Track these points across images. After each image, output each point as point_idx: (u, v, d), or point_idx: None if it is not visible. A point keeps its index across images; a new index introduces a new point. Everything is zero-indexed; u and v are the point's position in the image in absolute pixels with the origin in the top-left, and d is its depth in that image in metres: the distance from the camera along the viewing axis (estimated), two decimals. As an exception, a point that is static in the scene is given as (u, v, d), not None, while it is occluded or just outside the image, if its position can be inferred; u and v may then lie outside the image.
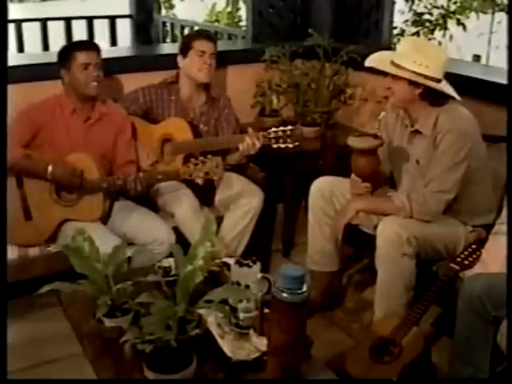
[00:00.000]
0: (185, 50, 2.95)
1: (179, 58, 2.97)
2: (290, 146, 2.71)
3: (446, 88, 2.39)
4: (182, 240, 2.62)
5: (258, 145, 2.73)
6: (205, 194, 2.81)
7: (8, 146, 2.28)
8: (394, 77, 2.38)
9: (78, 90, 2.63)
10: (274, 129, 2.72)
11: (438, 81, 2.36)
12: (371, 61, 2.50)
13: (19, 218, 2.56)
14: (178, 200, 2.75)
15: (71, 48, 2.66)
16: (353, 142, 2.42)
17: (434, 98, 2.39)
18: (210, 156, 2.50)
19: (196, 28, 5.30)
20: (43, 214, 2.57)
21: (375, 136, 2.42)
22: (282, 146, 2.72)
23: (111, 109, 2.76)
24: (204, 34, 3.04)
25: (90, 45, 2.71)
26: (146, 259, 2.33)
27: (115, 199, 2.69)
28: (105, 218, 2.63)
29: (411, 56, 2.33)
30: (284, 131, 2.71)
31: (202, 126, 3.00)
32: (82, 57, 2.60)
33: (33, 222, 2.58)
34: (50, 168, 2.50)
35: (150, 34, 5.82)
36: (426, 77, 2.32)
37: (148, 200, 2.77)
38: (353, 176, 2.53)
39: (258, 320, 1.80)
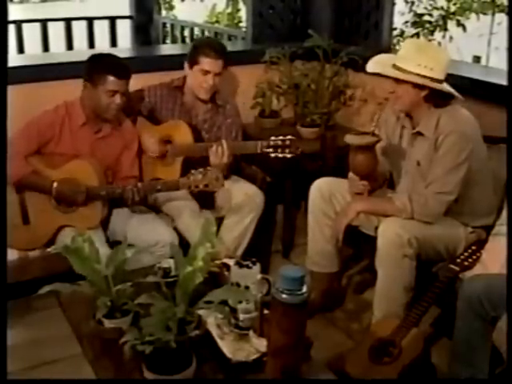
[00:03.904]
0: (191, 61, 2.87)
1: (186, 65, 2.91)
2: (288, 156, 2.67)
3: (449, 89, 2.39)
4: (182, 241, 2.63)
5: (222, 160, 2.69)
6: (205, 196, 2.80)
7: (9, 153, 2.31)
8: (399, 80, 2.37)
9: (95, 110, 2.60)
10: (273, 138, 2.68)
11: (441, 82, 2.36)
12: (373, 65, 2.49)
13: (17, 223, 2.56)
14: (177, 205, 2.75)
15: (105, 69, 2.54)
16: (350, 138, 2.42)
17: (438, 100, 2.39)
18: (210, 168, 2.50)
19: (199, 34, 5.31)
20: (41, 219, 2.57)
21: (373, 134, 2.43)
22: (280, 155, 2.68)
23: (123, 124, 2.73)
24: (213, 50, 2.85)
25: (124, 72, 2.58)
26: (148, 261, 2.31)
27: (115, 206, 2.66)
28: (104, 223, 2.62)
29: (415, 59, 2.33)
30: (283, 141, 2.66)
31: (204, 133, 2.98)
32: (112, 83, 2.52)
33: (31, 227, 2.58)
34: (54, 185, 2.50)
35: (149, 35, 5.81)
36: (431, 79, 2.33)
37: (147, 202, 2.77)
38: (350, 174, 2.53)
39: (257, 321, 1.80)
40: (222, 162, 2.70)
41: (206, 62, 2.83)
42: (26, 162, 2.54)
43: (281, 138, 2.68)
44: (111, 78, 2.52)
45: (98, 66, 2.58)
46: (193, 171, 2.49)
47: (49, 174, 2.56)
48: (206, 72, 2.83)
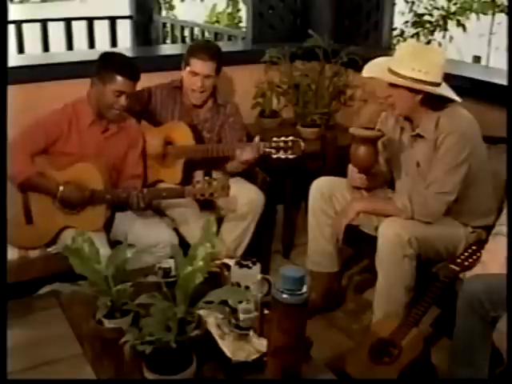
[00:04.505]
0: (184, 62, 2.88)
1: (182, 66, 2.91)
2: (290, 157, 2.68)
3: (446, 91, 2.39)
4: (183, 241, 2.63)
5: (255, 155, 2.70)
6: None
7: (14, 152, 2.33)
8: (394, 85, 2.37)
9: (99, 107, 2.59)
10: (275, 139, 2.68)
11: (438, 85, 2.36)
12: (369, 70, 2.50)
13: (20, 222, 2.55)
14: (180, 209, 2.75)
15: (115, 68, 2.53)
16: (355, 130, 2.43)
17: (435, 103, 2.39)
18: (216, 177, 2.49)
19: (199, 34, 5.31)
20: (44, 219, 2.56)
21: (378, 130, 2.44)
22: (282, 156, 2.68)
23: (127, 122, 2.73)
24: (204, 52, 2.84)
25: (133, 74, 2.57)
26: (148, 261, 2.31)
27: (118, 210, 2.66)
28: (107, 226, 2.62)
29: (409, 62, 2.32)
30: (285, 142, 2.67)
31: (206, 132, 2.97)
32: (120, 83, 2.52)
33: (33, 227, 2.58)
34: (60, 188, 2.49)
35: (149, 35, 5.82)
36: (425, 83, 2.32)
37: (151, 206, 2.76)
38: (350, 166, 2.54)
39: (257, 321, 1.80)
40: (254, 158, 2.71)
41: (196, 64, 2.82)
42: (31, 161, 2.53)
43: (283, 138, 2.68)
44: (120, 78, 2.52)
45: (109, 65, 2.57)
46: (198, 179, 2.49)
47: (54, 176, 2.55)
48: (196, 74, 2.82)
